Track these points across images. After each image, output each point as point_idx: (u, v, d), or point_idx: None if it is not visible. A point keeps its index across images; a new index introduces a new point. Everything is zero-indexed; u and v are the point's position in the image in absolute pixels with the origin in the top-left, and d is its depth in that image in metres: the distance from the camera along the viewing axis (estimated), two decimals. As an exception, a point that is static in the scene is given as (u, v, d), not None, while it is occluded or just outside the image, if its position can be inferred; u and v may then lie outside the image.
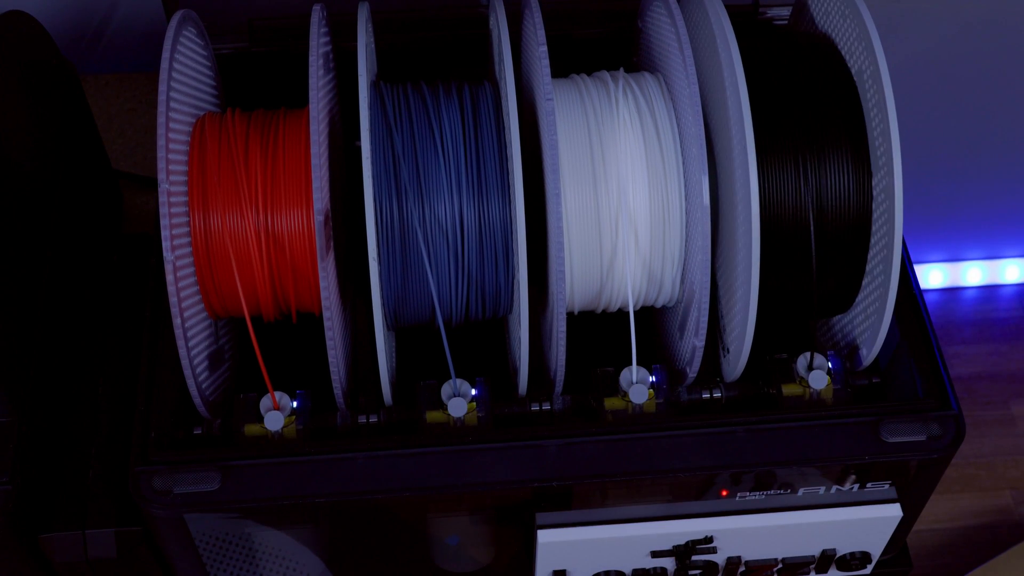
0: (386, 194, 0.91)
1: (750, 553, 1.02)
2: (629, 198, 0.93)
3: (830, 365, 0.98)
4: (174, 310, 0.90)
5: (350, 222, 1.01)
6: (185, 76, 0.97)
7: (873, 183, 0.93)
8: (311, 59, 0.92)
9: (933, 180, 1.72)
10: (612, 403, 0.97)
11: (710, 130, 0.95)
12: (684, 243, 0.95)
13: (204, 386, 0.96)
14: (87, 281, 1.13)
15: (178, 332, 0.90)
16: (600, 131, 0.94)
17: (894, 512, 0.99)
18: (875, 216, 0.93)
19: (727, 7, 0.93)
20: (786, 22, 1.15)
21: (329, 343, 0.91)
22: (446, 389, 0.95)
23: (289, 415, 0.95)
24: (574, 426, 0.96)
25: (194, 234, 0.92)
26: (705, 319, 0.92)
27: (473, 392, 0.95)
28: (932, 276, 1.90)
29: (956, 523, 1.71)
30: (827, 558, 1.03)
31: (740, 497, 0.97)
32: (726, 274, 0.96)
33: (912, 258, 1.18)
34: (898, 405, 0.95)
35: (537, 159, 0.94)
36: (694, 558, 1.01)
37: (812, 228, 0.93)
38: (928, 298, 1.88)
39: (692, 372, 0.96)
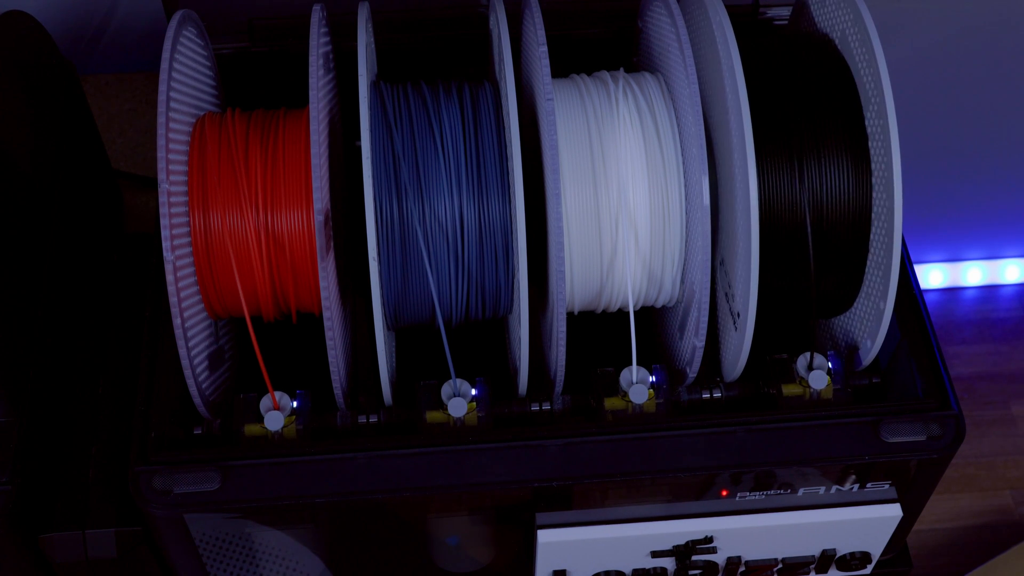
0: (386, 194, 0.91)
1: (750, 553, 1.02)
2: (629, 198, 0.93)
3: (830, 365, 0.97)
4: (174, 310, 0.90)
5: (350, 222, 1.01)
6: (185, 76, 0.97)
7: (873, 183, 0.93)
8: (311, 59, 0.92)
9: (933, 180, 1.72)
10: (612, 403, 0.97)
11: (710, 130, 0.95)
12: (684, 243, 0.95)
13: (204, 386, 0.96)
14: (87, 281, 1.13)
15: (178, 332, 0.90)
16: (600, 131, 0.94)
17: (894, 512, 0.99)
18: (875, 216, 0.93)
19: (727, 7, 0.93)
20: (786, 22, 1.15)
21: (329, 343, 0.91)
22: (446, 389, 0.95)
23: (289, 415, 0.95)
24: (574, 426, 0.96)
25: (194, 234, 0.92)
26: (705, 319, 0.92)
27: (473, 392, 0.95)
28: (932, 276, 1.89)
29: (956, 523, 1.71)
30: (827, 558, 1.03)
31: (740, 497, 0.97)
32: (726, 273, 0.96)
33: (912, 258, 1.18)
34: (898, 405, 0.95)
35: (537, 159, 0.94)
36: (694, 558, 1.01)
37: (809, 228, 0.93)
38: (928, 298, 1.88)
39: (692, 372, 0.96)
